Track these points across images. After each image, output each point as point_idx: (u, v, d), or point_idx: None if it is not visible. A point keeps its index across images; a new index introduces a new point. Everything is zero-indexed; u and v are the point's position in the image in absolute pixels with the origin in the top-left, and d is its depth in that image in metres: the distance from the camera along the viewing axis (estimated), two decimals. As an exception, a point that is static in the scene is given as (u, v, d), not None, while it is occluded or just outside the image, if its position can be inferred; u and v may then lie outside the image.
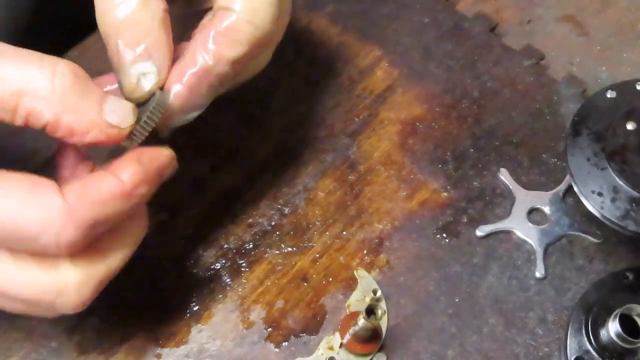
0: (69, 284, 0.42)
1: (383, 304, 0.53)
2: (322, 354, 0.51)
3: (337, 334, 0.51)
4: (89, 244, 0.41)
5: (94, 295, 0.43)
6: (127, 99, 0.44)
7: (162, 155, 0.44)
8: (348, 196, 0.58)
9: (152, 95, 0.44)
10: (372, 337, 0.50)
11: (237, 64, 0.45)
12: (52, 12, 0.68)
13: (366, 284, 0.54)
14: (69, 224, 0.39)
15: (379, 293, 0.53)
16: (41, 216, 0.38)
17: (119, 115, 0.42)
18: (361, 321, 0.48)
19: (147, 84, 0.44)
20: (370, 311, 0.48)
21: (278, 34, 0.49)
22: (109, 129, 0.41)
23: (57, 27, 0.68)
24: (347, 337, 0.50)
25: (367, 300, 0.53)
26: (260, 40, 0.46)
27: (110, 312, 0.53)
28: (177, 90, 0.45)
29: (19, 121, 0.40)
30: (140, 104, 0.44)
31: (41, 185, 0.39)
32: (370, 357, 0.51)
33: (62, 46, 0.64)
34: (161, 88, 0.44)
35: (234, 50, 0.45)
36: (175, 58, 0.45)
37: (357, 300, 0.53)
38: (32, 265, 0.41)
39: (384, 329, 0.52)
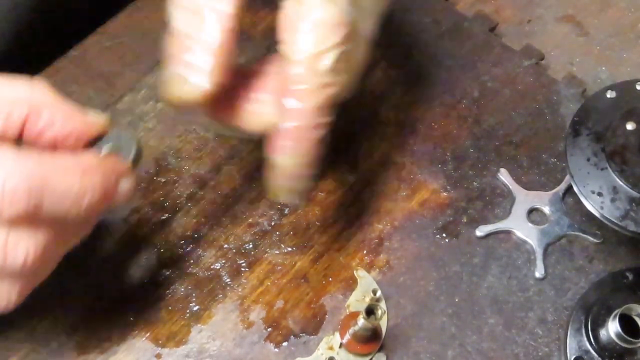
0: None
1: (383, 304, 0.53)
2: (322, 354, 0.51)
3: (337, 334, 0.51)
4: (32, 219, 0.40)
5: None
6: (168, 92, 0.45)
7: (124, 167, 0.45)
8: (348, 196, 0.58)
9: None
10: (371, 337, 0.50)
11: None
12: (53, 12, 0.68)
13: (366, 284, 0.54)
14: (15, 171, 0.38)
15: (378, 293, 0.54)
16: None
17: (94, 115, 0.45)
18: (361, 321, 0.48)
19: (193, 82, 0.44)
20: (370, 311, 0.48)
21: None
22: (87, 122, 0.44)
23: (57, 27, 0.68)
24: (347, 337, 0.50)
25: (367, 300, 0.53)
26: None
27: (110, 312, 0.53)
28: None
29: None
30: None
31: None
32: (370, 357, 0.51)
33: (61, 47, 0.65)
34: None
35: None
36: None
37: (357, 300, 0.53)
38: None
39: (383, 329, 0.52)
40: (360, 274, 0.54)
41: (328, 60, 0.43)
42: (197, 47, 0.43)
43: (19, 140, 0.43)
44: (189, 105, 0.45)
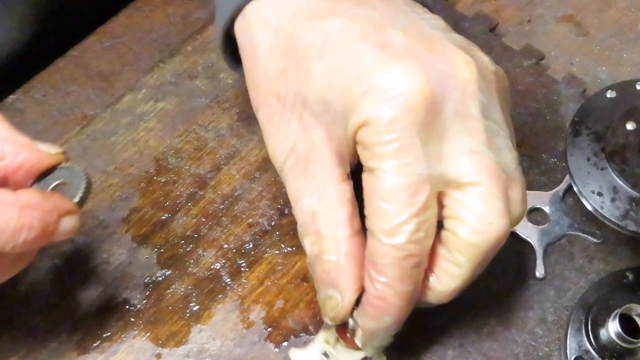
0: None
1: None
2: (318, 347, 0.51)
3: (334, 328, 0.51)
4: None
5: None
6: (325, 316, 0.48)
7: (68, 205, 0.45)
8: (348, 196, 0.58)
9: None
10: None
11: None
12: (53, 12, 0.68)
13: None
14: None
15: None
16: None
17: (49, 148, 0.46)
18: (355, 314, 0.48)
19: (331, 308, 0.47)
20: None
21: None
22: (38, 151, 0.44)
23: (57, 27, 0.68)
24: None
25: None
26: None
27: (109, 312, 0.53)
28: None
29: None
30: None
31: None
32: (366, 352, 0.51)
33: (62, 47, 0.65)
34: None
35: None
36: None
37: None
38: None
39: None
40: None
41: (403, 235, 0.42)
42: (333, 268, 0.46)
43: None
44: (342, 318, 0.47)
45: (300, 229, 0.48)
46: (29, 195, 0.42)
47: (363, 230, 0.46)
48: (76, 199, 0.46)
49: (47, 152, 0.45)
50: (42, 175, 0.46)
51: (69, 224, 0.44)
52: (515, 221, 0.46)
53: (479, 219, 0.43)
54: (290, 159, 0.48)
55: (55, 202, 0.43)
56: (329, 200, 0.46)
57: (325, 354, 0.51)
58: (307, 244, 0.47)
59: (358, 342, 0.48)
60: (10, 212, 0.41)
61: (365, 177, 0.44)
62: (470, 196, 0.43)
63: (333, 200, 0.46)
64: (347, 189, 0.47)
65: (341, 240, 0.46)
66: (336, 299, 0.47)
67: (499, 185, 0.43)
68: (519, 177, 0.46)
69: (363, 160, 0.44)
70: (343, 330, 0.50)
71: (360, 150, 0.44)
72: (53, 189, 0.46)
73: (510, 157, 0.46)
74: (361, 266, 0.46)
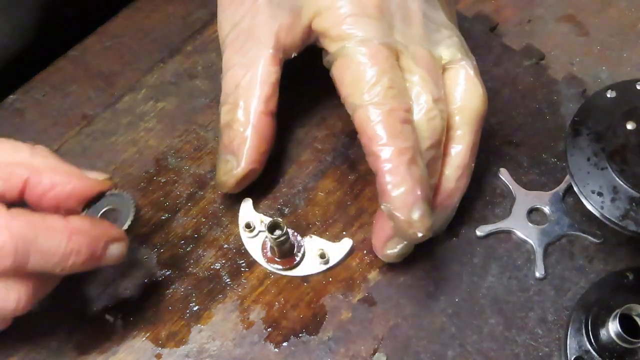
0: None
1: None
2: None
3: None
4: (19, 272, 0.43)
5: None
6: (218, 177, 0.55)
7: (116, 232, 0.46)
8: (348, 196, 0.58)
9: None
10: (288, 252, 0.54)
11: None
12: (53, 12, 0.68)
13: None
14: (4, 230, 0.41)
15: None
16: None
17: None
18: (268, 236, 0.52)
19: (224, 172, 0.54)
20: (274, 226, 0.51)
21: None
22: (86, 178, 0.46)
23: (57, 27, 0.68)
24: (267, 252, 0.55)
25: None
26: None
27: (110, 313, 0.53)
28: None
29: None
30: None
31: None
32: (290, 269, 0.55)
33: (62, 47, 0.65)
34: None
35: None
36: None
37: None
38: None
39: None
40: None
41: (380, 90, 0.48)
42: (238, 137, 0.53)
43: (20, 203, 0.45)
44: (230, 186, 0.54)
45: (222, 97, 0.54)
46: (79, 222, 0.44)
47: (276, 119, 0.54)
48: (125, 227, 0.47)
49: (95, 179, 0.47)
50: (92, 202, 0.47)
51: (116, 250, 0.46)
52: (444, 101, 0.51)
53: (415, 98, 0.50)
54: (233, 32, 0.54)
55: (103, 229, 0.45)
56: (253, 77, 0.52)
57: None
58: (223, 111, 0.54)
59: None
60: (60, 237, 0.43)
61: (330, 62, 0.50)
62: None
63: (258, 78, 0.52)
64: (274, 71, 0.53)
65: (252, 114, 0.52)
66: (232, 165, 0.53)
67: (431, 73, 0.50)
68: (462, 69, 0.53)
69: (325, 46, 0.50)
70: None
71: (320, 39, 0.51)
72: (102, 215, 0.47)
73: (448, 52, 0.53)
74: (264, 143, 0.53)
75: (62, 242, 0.43)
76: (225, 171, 0.54)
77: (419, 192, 0.46)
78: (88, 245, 0.44)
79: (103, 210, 0.47)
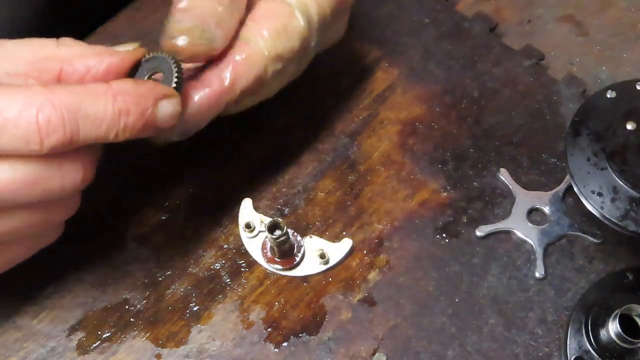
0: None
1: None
2: None
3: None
4: (70, 145, 0.41)
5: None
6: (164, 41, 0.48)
7: (164, 89, 0.45)
8: (348, 196, 0.58)
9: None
10: (288, 252, 0.54)
11: (245, 93, 0.48)
12: (52, 12, 0.68)
13: None
14: (46, 103, 0.40)
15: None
16: (22, 95, 0.40)
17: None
18: (269, 237, 0.52)
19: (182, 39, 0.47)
20: (274, 226, 0.51)
21: (296, 68, 0.52)
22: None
23: (57, 27, 0.68)
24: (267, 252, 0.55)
25: None
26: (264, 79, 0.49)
27: (109, 313, 0.53)
28: (191, 103, 0.47)
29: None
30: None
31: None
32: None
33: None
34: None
35: (245, 81, 0.48)
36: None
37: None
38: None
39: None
40: None
41: None
42: None
43: None
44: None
45: None
46: (122, 83, 0.43)
47: None
48: (172, 84, 0.45)
49: (126, 50, 0.46)
50: (131, 74, 0.46)
51: (168, 107, 0.44)
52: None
53: None
54: None
55: (149, 87, 0.44)
56: None
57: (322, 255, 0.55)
58: None
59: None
60: (105, 100, 0.42)
61: None
62: None
63: None
64: None
65: None
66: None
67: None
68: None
69: None
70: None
71: None
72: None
73: None
74: None
75: (107, 104, 0.42)
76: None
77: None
78: (136, 104, 0.43)
79: (146, 77, 0.46)
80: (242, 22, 0.49)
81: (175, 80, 0.45)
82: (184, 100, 0.46)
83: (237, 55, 0.47)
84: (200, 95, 0.47)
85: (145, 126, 0.44)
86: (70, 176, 0.43)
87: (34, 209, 0.44)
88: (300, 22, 0.49)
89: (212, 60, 0.48)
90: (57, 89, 0.41)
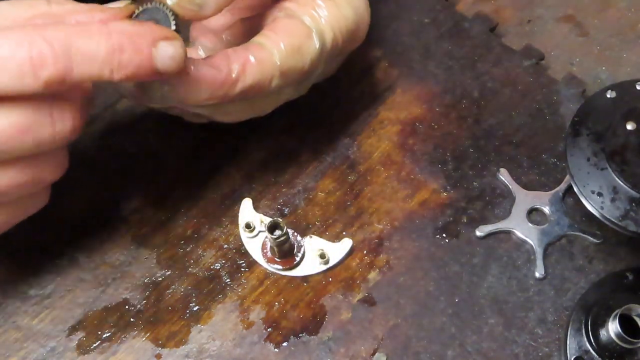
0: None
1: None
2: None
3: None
4: (64, 81, 0.41)
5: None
6: None
7: (163, 30, 0.44)
8: (348, 196, 0.58)
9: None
10: (287, 252, 0.54)
11: (244, 94, 0.48)
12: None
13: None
14: (37, 39, 0.40)
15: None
16: (15, 34, 0.40)
17: None
18: (268, 237, 0.52)
19: None
20: (274, 226, 0.51)
21: (292, 93, 0.53)
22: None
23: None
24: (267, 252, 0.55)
25: None
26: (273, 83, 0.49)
27: (109, 313, 0.53)
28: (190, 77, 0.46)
29: None
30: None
31: None
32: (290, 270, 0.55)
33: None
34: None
35: (250, 81, 0.47)
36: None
37: None
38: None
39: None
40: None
41: None
42: None
43: None
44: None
45: None
46: (119, 23, 0.43)
47: None
48: (172, 27, 0.44)
49: (117, 7, 0.46)
50: None
51: (169, 48, 0.43)
52: None
53: None
54: None
55: (147, 27, 0.43)
56: None
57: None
58: None
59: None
60: (99, 37, 0.41)
61: None
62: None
63: None
64: None
65: None
66: None
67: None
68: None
69: None
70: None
71: None
72: None
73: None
74: None
75: (101, 40, 0.41)
76: None
77: None
78: (131, 41, 0.42)
79: None
80: (259, 30, 0.50)
81: (174, 23, 0.44)
82: (189, 66, 0.45)
83: (251, 56, 0.47)
84: (205, 71, 0.46)
85: (141, 66, 0.43)
86: (61, 124, 0.43)
87: (24, 165, 0.44)
88: (315, 45, 0.50)
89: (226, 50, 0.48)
90: (49, 26, 0.41)
